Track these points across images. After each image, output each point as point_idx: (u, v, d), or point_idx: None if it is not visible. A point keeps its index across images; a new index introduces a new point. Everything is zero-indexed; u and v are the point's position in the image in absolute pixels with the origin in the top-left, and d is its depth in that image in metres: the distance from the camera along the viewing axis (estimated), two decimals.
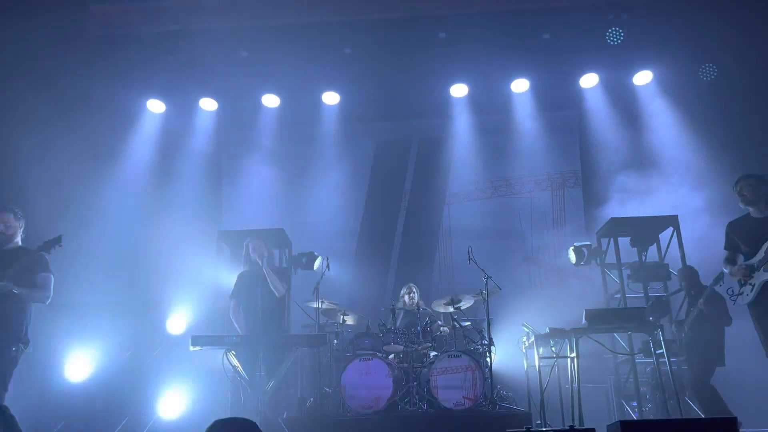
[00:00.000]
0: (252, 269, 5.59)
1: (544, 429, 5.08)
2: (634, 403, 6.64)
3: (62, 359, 7.32)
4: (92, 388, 7.17)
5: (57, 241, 4.45)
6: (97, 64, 8.02)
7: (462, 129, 9.38)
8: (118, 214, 8.32)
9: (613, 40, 7.66)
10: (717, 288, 5.86)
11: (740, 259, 5.11)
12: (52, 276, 4.64)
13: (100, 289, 7.46)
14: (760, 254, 4.84)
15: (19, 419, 4.32)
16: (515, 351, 6.79)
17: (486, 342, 6.43)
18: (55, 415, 6.88)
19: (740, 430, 3.65)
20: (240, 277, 5.74)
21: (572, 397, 5.35)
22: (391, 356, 6.79)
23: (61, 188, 8.12)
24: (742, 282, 4.97)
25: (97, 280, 7.56)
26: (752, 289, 4.86)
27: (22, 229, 4.69)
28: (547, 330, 5.61)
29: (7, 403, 4.34)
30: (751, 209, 5.07)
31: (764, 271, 4.79)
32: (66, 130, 8.03)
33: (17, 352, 4.35)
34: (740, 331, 5.65)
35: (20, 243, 4.68)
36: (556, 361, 5.73)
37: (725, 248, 5.21)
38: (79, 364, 7.29)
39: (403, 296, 7.53)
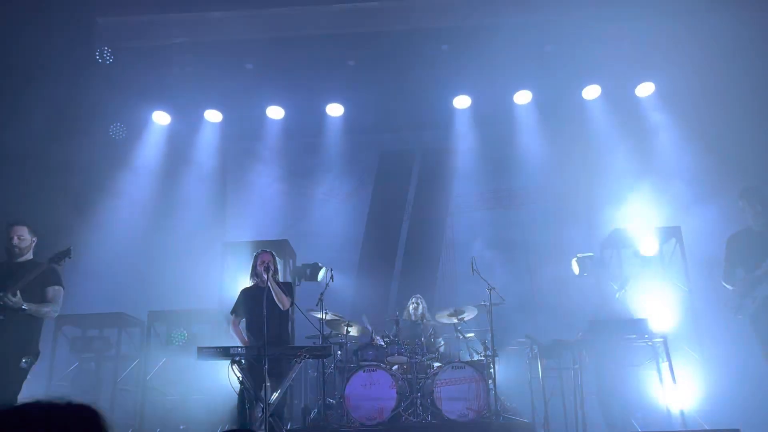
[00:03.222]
0: (258, 282, 5.63)
1: None
2: (638, 414, 6.63)
3: (66, 370, 7.36)
4: (97, 398, 7.20)
5: (66, 253, 4.50)
6: (103, 76, 8.10)
7: (465, 140, 9.42)
8: (123, 225, 8.37)
9: None
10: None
11: (739, 271, 5.12)
12: (62, 289, 4.68)
13: (105, 300, 7.50)
14: (763, 267, 4.85)
15: None
16: (519, 362, 6.80)
17: (490, 353, 6.44)
18: None
19: None
20: (243, 292, 5.77)
21: (576, 408, 5.36)
22: (395, 367, 6.81)
23: (67, 199, 8.19)
24: (744, 295, 4.98)
25: (102, 291, 7.60)
26: (754, 302, 4.87)
27: (34, 244, 4.74)
28: (551, 341, 5.64)
29: None
30: (755, 223, 5.09)
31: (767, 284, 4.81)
32: (72, 142, 8.11)
33: (27, 364, 4.39)
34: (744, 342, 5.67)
35: (32, 256, 4.73)
36: (559, 372, 5.75)
37: (725, 261, 5.23)
38: (83, 374, 7.32)
39: (408, 308, 7.56)
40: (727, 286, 5.19)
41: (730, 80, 7.98)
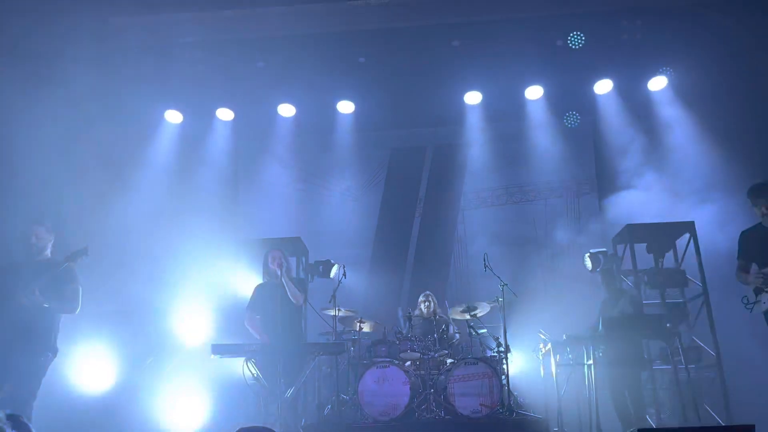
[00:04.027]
0: (271, 279, 5.67)
1: None
2: (652, 410, 6.62)
3: (82, 368, 7.43)
4: (112, 396, 7.27)
5: (83, 252, 4.56)
6: (115, 76, 8.16)
7: (476, 136, 9.40)
8: (136, 223, 8.42)
9: (574, 44, 7.62)
10: None
11: (753, 267, 5.09)
12: (80, 287, 4.75)
13: (119, 298, 7.56)
14: None
15: (38, 427, 4.40)
16: (532, 358, 6.80)
17: (502, 349, 6.44)
18: (72, 423, 6.94)
19: None
20: (257, 289, 5.81)
21: (589, 404, 5.35)
22: (408, 363, 6.83)
23: (81, 198, 8.25)
24: (759, 290, 4.95)
25: (116, 288, 7.66)
26: None
27: (52, 242, 4.81)
28: (564, 337, 5.63)
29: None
30: (765, 221, 5.06)
31: None
32: (86, 141, 8.17)
33: (46, 361, 4.47)
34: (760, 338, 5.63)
35: (50, 255, 4.80)
36: (572, 368, 5.74)
37: (738, 257, 5.20)
38: (99, 372, 7.39)
39: (420, 304, 7.58)
40: (741, 282, 5.16)
41: (744, 73, 7.91)
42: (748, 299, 5.07)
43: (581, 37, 7.56)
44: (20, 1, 7.16)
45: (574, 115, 7.49)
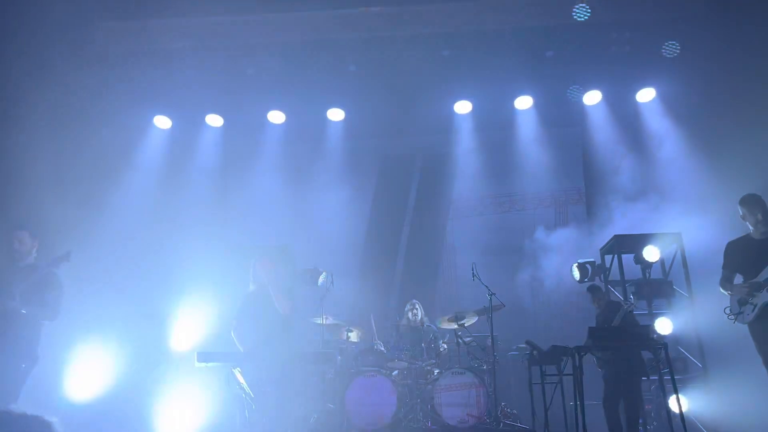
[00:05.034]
0: (258, 288, 5.62)
1: None
2: (640, 420, 6.61)
3: (68, 374, 7.35)
4: (98, 403, 7.19)
5: (66, 256, 4.51)
6: (104, 81, 8.12)
7: (466, 145, 9.44)
8: (124, 229, 8.36)
9: (579, 16, 7.46)
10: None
11: (738, 279, 5.12)
12: (62, 294, 4.69)
13: (106, 304, 7.49)
14: (764, 275, 4.84)
15: None
16: (519, 368, 6.79)
17: (490, 359, 6.43)
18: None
19: None
20: (244, 297, 5.76)
21: (576, 415, 5.34)
22: (395, 373, 6.79)
23: (69, 203, 8.18)
24: (743, 301, 4.97)
25: (104, 294, 7.59)
26: (753, 309, 4.86)
27: (36, 248, 4.75)
28: (551, 347, 5.63)
29: None
30: (755, 230, 5.09)
31: (767, 291, 4.80)
32: (74, 146, 8.11)
33: (27, 368, 4.40)
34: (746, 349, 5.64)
35: (33, 260, 4.74)
36: (560, 378, 5.74)
37: (723, 268, 5.23)
38: (84, 379, 7.32)
39: (406, 313, 7.55)
40: (724, 292, 5.19)
41: (732, 84, 7.97)
42: (731, 310, 5.10)
43: (587, 9, 7.39)
44: (9, 5, 7.13)
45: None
